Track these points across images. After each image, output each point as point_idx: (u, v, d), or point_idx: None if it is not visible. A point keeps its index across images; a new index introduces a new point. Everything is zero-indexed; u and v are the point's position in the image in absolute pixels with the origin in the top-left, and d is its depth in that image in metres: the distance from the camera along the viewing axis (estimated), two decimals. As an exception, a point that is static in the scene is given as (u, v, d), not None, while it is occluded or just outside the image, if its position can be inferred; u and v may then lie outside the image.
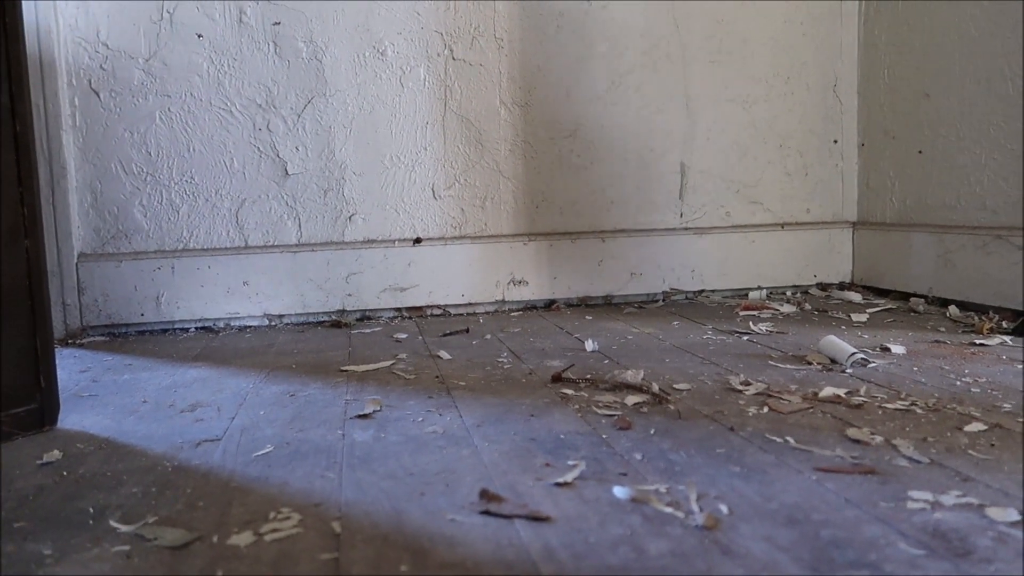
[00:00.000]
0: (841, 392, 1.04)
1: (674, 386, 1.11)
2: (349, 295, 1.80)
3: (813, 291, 2.01)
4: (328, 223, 1.81)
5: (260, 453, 0.88)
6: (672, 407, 1.01)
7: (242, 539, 0.66)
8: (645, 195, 1.95)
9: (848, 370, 1.18)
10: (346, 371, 1.29)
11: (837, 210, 2.05)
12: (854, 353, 1.20)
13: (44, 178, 1.63)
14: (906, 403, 0.99)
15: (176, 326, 1.75)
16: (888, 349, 1.30)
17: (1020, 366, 1.17)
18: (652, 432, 0.91)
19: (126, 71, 1.70)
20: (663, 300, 1.95)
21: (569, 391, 1.10)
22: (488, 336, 1.56)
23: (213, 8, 1.72)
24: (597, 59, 1.89)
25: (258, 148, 1.76)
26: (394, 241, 1.83)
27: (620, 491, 0.73)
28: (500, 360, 1.33)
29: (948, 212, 1.74)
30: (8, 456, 0.91)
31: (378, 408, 1.05)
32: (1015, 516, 0.65)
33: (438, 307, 1.85)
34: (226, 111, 1.74)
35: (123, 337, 1.70)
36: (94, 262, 1.70)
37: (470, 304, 1.86)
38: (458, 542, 0.64)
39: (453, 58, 1.83)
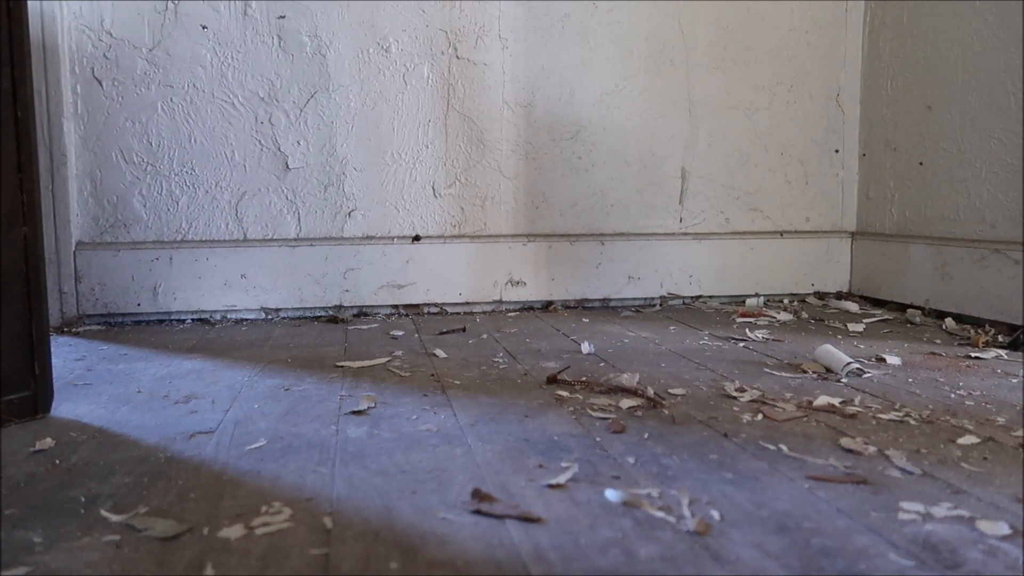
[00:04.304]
0: (835, 401, 1.04)
1: (669, 391, 1.11)
2: (346, 291, 1.80)
3: (810, 300, 2.01)
4: (327, 218, 1.81)
5: (253, 446, 0.88)
6: (667, 412, 1.01)
7: (233, 532, 0.66)
8: (645, 199, 1.95)
9: (843, 379, 1.18)
10: (341, 367, 1.28)
11: (836, 219, 2.06)
12: (849, 363, 1.21)
13: (44, 165, 1.63)
14: (900, 414, 0.99)
15: (172, 317, 1.75)
16: (883, 360, 1.31)
17: (1015, 380, 1.17)
18: (646, 436, 0.91)
19: (129, 60, 1.70)
20: (660, 304, 1.95)
21: (564, 393, 1.10)
22: (484, 336, 1.56)
23: (218, 0, 1.72)
24: (601, 61, 1.89)
25: (259, 141, 1.76)
26: (393, 238, 1.83)
27: (612, 494, 0.73)
28: (496, 360, 1.33)
29: (947, 224, 1.75)
30: (1, 443, 0.90)
31: (372, 405, 1.05)
32: (1006, 530, 0.65)
33: (435, 305, 1.85)
34: (228, 103, 1.74)
35: (119, 327, 1.70)
36: (92, 251, 1.70)
37: (467, 303, 1.86)
38: (448, 541, 0.64)
39: (457, 57, 1.83)
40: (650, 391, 1.07)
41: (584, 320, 1.74)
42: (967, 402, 1.05)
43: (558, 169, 1.90)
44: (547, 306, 1.91)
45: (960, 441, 0.89)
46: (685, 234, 1.97)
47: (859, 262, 2.02)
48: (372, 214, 1.83)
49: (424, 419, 0.98)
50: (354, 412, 1.02)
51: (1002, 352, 1.37)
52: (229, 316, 1.77)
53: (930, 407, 1.03)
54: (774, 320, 1.72)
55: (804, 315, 1.79)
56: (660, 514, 0.69)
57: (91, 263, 1.69)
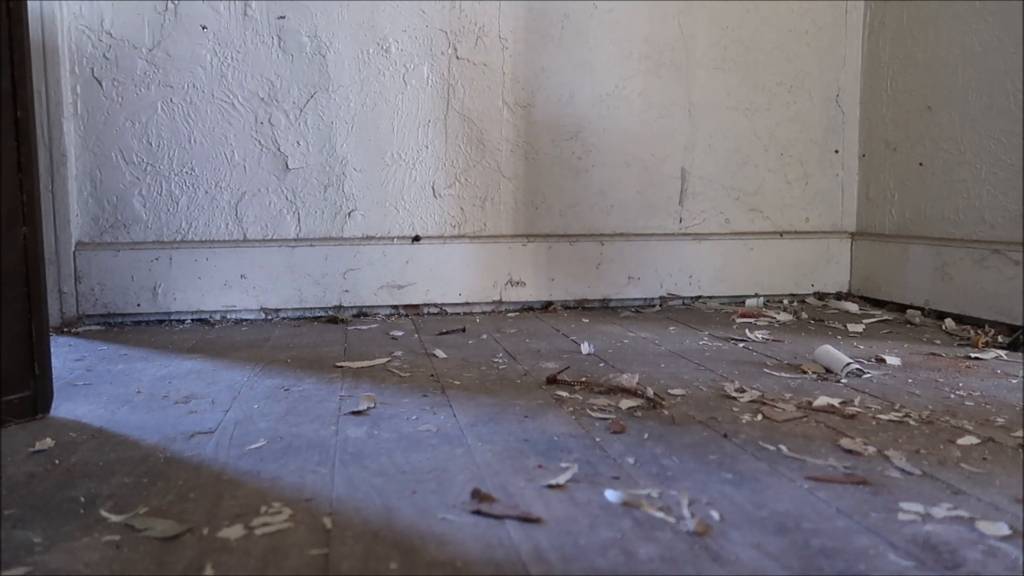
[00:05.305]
0: (835, 402, 1.04)
1: (669, 391, 1.11)
2: (346, 291, 1.80)
3: (810, 300, 2.01)
4: (327, 218, 1.81)
5: (253, 447, 0.88)
6: (666, 412, 1.01)
7: (232, 532, 0.66)
8: (645, 199, 1.95)
9: (843, 380, 1.18)
10: (341, 367, 1.28)
11: (836, 220, 2.06)
12: (849, 363, 1.21)
13: (44, 165, 1.63)
14: (900, 414, 0.99)
15: (172, 317, 1.75)
16: (883, 360, 1.31)
17: (1015, 380, 1.17)
18: (645, 436, 0.91)
19: (129, 60, 1.70)
20: (660, 305, 1.95)
21: (564, 393, 1.10)
22: (484, 336, 1.56)
23: (218, 0, 1.72)
24: (601, 62, 1.89)
25: (259, 141, 1.76)
26: (393, 238, 1.83)
27: (612, 495, 0.73)
28: (495, 360, 1.33)
29: (947, 225, 1.75)
30: (1, 443, 0.90)
31: (372, 405, 1.05)
32: (1006, 530, 0.65)
33: (435, 306, 1.85)
34: (228, 103, 1.74)
35: (119, 327, 1.69)
36: (92, 251, 1.69)
37: (467, 304, 1.86)
38: (448, 541, 0.64)
39: (457, 57, 1.83)
40: (650, 391, 1.07)
41: (584, 320, 1.74)
42: (967, 403, 1.05)
43: (558, 169, 1.90)
44: (547, 306, 1.91)
45: (960, 442, 0.89)
46: (685, 234, 1.97)
47: (859, 262, 2.02)
48: (372, 214, 1.83)
49: (424, 419, 0.98)
50: (354, 412, 1.02)
51: (1002, 352, 1.37)
52: (229, 316, 1.77)
53: (930, 408, 1.03)
54: (774, 320, 1.72)
55: (804, 316, 1.79)
56: (660, 514, 0.69)
57: (91, 263, 1.69)
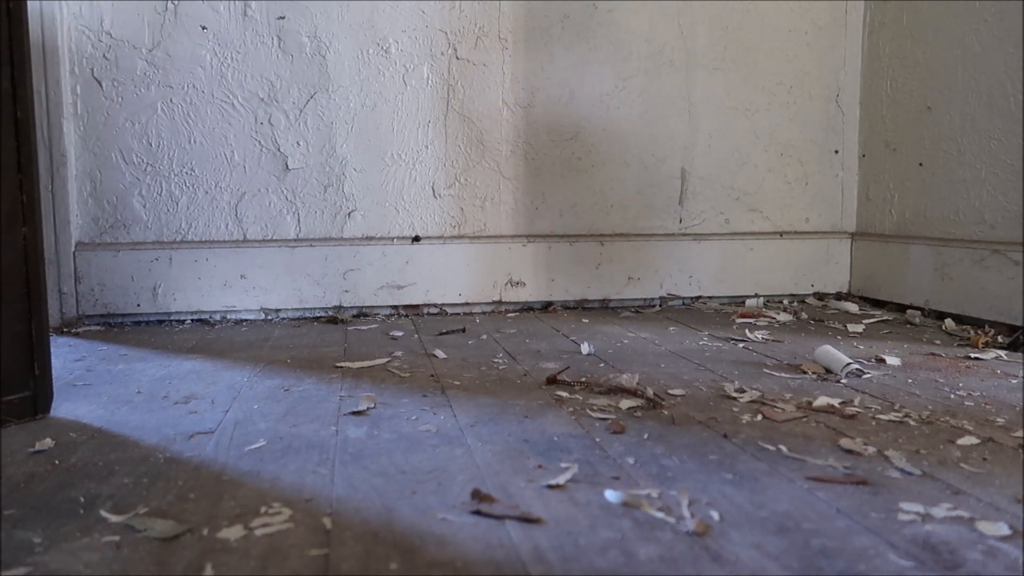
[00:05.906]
0: (835, 402, 1.04)
1: (669, 391, 1.11)
2: (346, 291, 1.80)
3: (810, 300, 2.01)
4: (327, 219, 1.81)
5: (253, 447, 0.88)
6: (666, 412, 1.01)
7: (232, 533, 0.66)
8: (645, 200, 1.95)
9: (843, 380, 1.18)
10: (341, 367, 1.28)
11: (836, 220, 2.06)
12: (849, 363, 1.21)
13: (44, 165, 1.63)
14: (900, 415, 0.99)
15: (172, 318, 1.75)
16: (883, 360, 1.31)
17: (1014, 380, 1.17)
18: (645, 437, 0.91)
19: (129, 61, 1.70)
20: (660, 305, 1.95)
21: (564, 393, 1.10)
22: (484, 336, 1.56)
23: (218, 1, 1.72)
24: (601, 62, 1.89)
25: (259, 142, 1.76)
26: (393, 239, 1.83)
27: (612, 495, 0.73)
28: (495, 360, 1.33)
29: (947, 225, 1.75)
30: (1, 443, 0.90)
31: (372, 405, 1.05)
32: (1006, 531, 0.65)
33: (435, 306, 1.85)
34: (228, 104, 1.74)
35: (119, 327, 1.69)
36: (91, 251, 1.69)
37: (467, 304, 1.86)
38: (448, 541, 0.64)
39: (457, 57, 1.83)
40: (650, 392, 1.07)
41: (584, 321, 1.74)
42: (967, 403, 1.05)
43: (558, 170, 1.90)
44: (547, 307, 1.91)
45: (960, 442, 0.89)
46: (685, 235, 1.97)
47: (859, 263, 2.02)
48: (372, 215, 1.83)
49: (424, 420, 0.98)
50: (354, 412, 1.02)
51: (1002, 353, 1.37)
52: (229, 316, 1.77)
53: (930, 408, 1.03)
54: (774, 321, 1.72)
55: (804, 316, 1.79)
56: (660, 515, 0.69)
57: (91, 263, 1.69)
